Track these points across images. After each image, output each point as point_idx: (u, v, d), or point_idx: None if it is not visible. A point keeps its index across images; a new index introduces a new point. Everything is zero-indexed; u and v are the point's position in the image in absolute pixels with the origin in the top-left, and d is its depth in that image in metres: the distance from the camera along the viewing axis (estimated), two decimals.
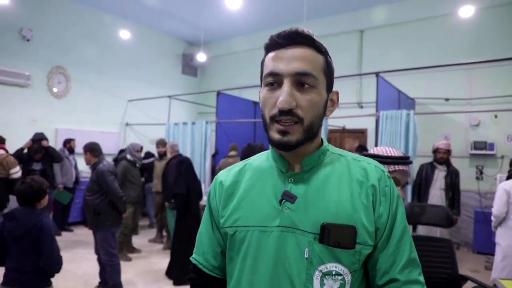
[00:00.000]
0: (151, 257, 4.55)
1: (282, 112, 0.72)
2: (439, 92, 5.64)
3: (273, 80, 0.75)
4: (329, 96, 0.81)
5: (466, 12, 4.85)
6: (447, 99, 5.60)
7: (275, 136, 0.74)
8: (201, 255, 0.90)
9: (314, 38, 0.76)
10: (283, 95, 0.71)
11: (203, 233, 0.91)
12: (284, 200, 0.77)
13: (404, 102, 5.39)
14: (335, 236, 0.71)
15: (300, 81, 0.73)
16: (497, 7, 5.30)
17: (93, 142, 3.36)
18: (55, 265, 2.09)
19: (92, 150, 3.30)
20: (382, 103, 4.33)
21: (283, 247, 0.75)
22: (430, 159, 4.85)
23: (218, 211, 0.87)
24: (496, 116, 5.27)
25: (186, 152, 5.96)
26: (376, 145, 4.29)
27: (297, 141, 0.73)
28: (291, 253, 0.74)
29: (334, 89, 0.83)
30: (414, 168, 4.22)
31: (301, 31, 0.74)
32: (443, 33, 5.73)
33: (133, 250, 4.67)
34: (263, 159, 0.88)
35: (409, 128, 4.01)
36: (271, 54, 0.77)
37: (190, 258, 0.93)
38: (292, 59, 0.73)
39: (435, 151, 4.10)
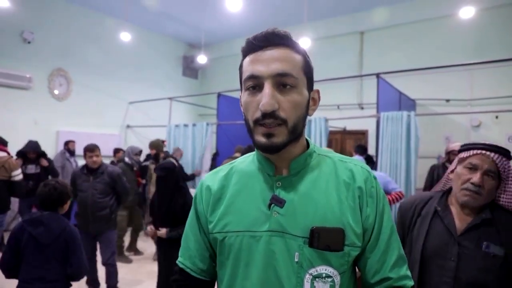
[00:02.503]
0: (153, 262, 4.54)
1: (265, 115, 0.71)
2: (440, 93, 5.64)
3: (254, 83, 0.74)
4: (311, 95, 0.80)
5: (467, 13, 4.85)
6: (448, 100, 5.60)
7: (260, 139, 0.73)
8: (188, 258, 0.89)
9: (291, 38, 0.75)
10: (265, 97, 0.70)
11: (190, 237, 0.90)
12: (273, 205, 0.76)
13: (405, 103, 5.38)
14: (324, 240, 0.72)
15: (281, 82, 0.72)
16: (498, 8, 5.30)
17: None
18: (84, 272, 2.04)
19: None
20: (382, 104, 4.33)
21: (273, 252, 0.75)
22: (431, 161, 4.84)
23: (206, 217, 0.86)
24: (497, 117, 5.26)
25: (187, 154, 5.97)
26: (377, 147, 4.28)
27: (282, 143, 0.73)
28: (281, 257, 0.74)
29: (318, 89, 0.83)
30: (417, 169, 4.20)
31: (277, 32, 0.74)
32: (444, 34, 5.73)
33: (136, 252, 4.67)
34: (249, 161, 0.87)
35: (410, 129, 4.00)
36: (248, 58, 0.76)
37: (177, 262, 0.91)
38: (271, 61, 0.72)
39: (449, 153, 4.00)
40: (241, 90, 0.79)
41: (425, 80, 5.62)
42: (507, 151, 1.27)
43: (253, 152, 0.87)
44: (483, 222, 1.23)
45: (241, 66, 0.79)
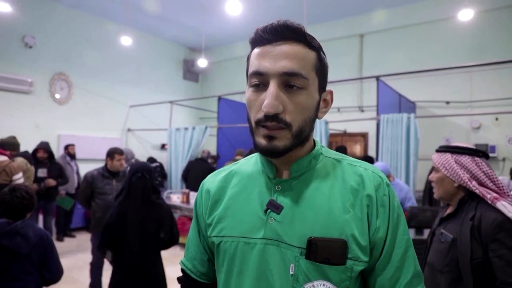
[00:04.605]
0: None
1: (267, 117, 0.65)
2: (440, 95, 5.65)
3: (259, 81, 0.67)
4: (322, 97, 0.73)
5: (466, 15, 4.87)
6: (447, 102, 5.61)
7: (261, 141, 0.67)
8: (189, 260, 0.88)
9: (305, 31, 0.68)
10: (269, 98, 0.64)
11: (191, 239, 0.89)
12: (269, 210, 0.71)
13: (405, 105, 5.40)
14: (323, 252, 0.65)
15: (288, 82, 0.66)
16: (496, 10, 5.33)
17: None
18: (61, 274, 1.98)
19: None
20: (382, 106, 4.34)
21: (267, 262, 0.69)
22: (431, 163, 4.84)
23: (204, 220, 0.83)
24: (497, 119, 5.27)
25: (186, 157, 5.99)
26: (377, 149, 4.29)
27: (284, 148, 0.67)
28: (275, 269, 0.68)
29: (331, 90, 0.77)
30: (417, 171, 4.21)
31: (290, 24, 0.67)
32: (443, 36, 5.76)
33: None
34: (252, 163, 0.82)
35: (410, 131, 4.01)
36: (256, 50, 0.69)
37: (180, 262, 0.90)
38: (279, 57, 0.65)
39: None
40: (247, 84, 0.73)
41: (425, 82, 5.63)
42: (447, 146, 1.52)
43: (258, 153, 0.80)
44: (448, 216, 1.45)
45: (248, 58, 0.73)
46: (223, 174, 0.84)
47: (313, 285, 0.66)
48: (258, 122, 0.67)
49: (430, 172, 4.11)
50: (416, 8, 5.94)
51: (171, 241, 2.46)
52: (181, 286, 0.90)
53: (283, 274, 0.68)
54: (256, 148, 0.70)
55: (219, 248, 0.76)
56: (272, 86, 0.65)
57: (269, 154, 0.68)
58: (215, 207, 0.80)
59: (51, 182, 4.53)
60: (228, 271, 0.74)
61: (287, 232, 0.69)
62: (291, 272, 0.67)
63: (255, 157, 0.83)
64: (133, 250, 2.23)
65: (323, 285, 0.66)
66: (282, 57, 0.65)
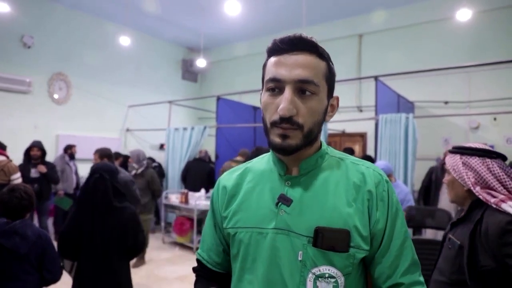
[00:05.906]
0: (153, 264, 4.54)
1: (282, 119, 0.73)
2: (438, 95, 5.67)
3: (275, 86, 0.75)
4: (330, 102, 0.82)
5: (464, 15, 4.89)
6: (446, 102, 5.62)
7: (276, 140, 0.75)
8: (205, 251, 0.95)
9: (317, 44, 0.76)
10: (284, 102, 0.72)
11: (207, 232, 0.96)
12: (280, 203, 0.79)
13: (403, 105, 5.41)
14: (328, 240, 0.73)
15: (302, 88, 0.74)
16: (494, 10, 5.34)
17: (106, 147, 3.33)
18: (61, 274, 1.98)
19: (110, 156, 3.27)
20: (381, 106, 4.35)
21: (277, 249, 0.77)
22: (430, 163, 4.86)
23: (221, 214, 0.90)
24: (495, 119, 5.28)
25: (184, 157, 5.98)
26: (376, 149, 4.29)
27: (296, 146, 0.75)
28: (285, 255, 0.76)
29: (338, 96, 0.85)
30: (415, 171, 4.22)
31: (304, 37, 0.75)
32: (442, 36, 5.77)
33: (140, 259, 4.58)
34: (264, 161, 0.90)
35: (409, 131, 4.02)
36: (273, 59, 0.77)
37: (196, 253, 0.98)
38: (294, 66, 0.73)
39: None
40: (262, 88, 0.81)
41: (424, 82, 5.65)
42: (458, 147, 1.41)
43: (269, 153, 0.90)
44: (458, 221, 1.39)
45: (264, 65, 0.80)
46: (239, 172, 0.92)
47: (319, 270, 0.74)
48: (274, 123, 0.75)
49: (430, 173, 4.15)
50: (415, 9, 5.96)
51: (135, 249, 2.19)
52: (196, 276, 0.97)
53: (292, 260, 0.75)
54: (271, 146, 0.78)
55: (234, 238, 0.84)
56: (288, 92, 0.73)
57: (282, 151, 0.76)
58: (231, 201, 0.88)
59: (42, 168, 4.50)
60: (243, 258, 0.82)
61: (296, 222, 0.77)
62: (299, 258, 0.75)
63: (267, 156, 0.91)
64: (90, 259, 2.05)
65: (328, 269, 0.74)
66: (297, 66, 0.74)
